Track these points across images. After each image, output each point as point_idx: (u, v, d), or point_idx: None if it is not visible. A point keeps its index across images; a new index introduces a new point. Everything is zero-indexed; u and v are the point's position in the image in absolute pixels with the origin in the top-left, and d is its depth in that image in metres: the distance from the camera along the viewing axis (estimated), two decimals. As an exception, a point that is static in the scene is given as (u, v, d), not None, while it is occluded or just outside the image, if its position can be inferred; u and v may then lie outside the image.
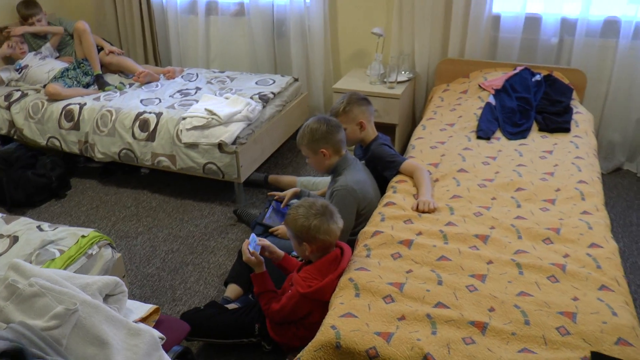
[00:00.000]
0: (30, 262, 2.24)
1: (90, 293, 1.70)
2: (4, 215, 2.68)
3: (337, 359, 1.82)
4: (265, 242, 2.43)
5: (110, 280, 1.77)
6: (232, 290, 2.66)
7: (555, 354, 1.73)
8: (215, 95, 3.90)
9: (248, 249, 2.33)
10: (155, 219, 3.54)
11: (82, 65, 4.20)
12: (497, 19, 3.89)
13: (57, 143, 3.93)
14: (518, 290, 1.99)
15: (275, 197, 3.13)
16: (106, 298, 1.77)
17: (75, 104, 3.87)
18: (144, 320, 1.81)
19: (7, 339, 1.34)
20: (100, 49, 4.44)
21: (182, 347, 1.82)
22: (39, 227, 2.53)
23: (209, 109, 3.50)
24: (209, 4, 4.63)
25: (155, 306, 1.87)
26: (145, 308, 1.86)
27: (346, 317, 1.91)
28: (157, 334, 1.69)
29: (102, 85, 4.14)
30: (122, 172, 4.09)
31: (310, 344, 1.87)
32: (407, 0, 3.96)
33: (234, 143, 3.45)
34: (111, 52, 4.41)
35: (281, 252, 2.46)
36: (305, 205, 2.21)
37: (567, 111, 3.28)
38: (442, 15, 3.97)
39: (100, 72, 4.21)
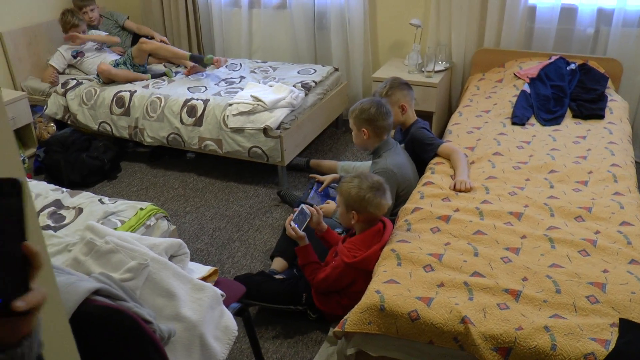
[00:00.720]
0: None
1: (157, 252, 1.88)
2: (68, 190, 2.90)
3: (381, 321, 1.97)
4: (314, 209, 2.58)
5: (175, 242, 1.95)
6: (278, 263, 2.83)
7: (585, 320, 1.85)
8: (260, 83, 4.08)
9: (290, 224, 2.49)
10: (202, 199, 3.74)
11: (132, 59, 4.41)
12: (532, 9, 3.97)
13: (108, 128, 4.16)
14: (550, 262, 2.11)
15: (317, 179, 3.30)
16: (170, 258, 1.95)
17: (125, 91, 4.09)
18: (204, 279, 1.99)
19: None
20: (151, 37, 4.65)
21: (239, 305, 1.99)
22: (100, 201, 2.74)
23: (255, 95, 3.68)
24: (252, -3, 4.81)
25: (214, 268, 2.05)
26: (205, 269, 2.04)
27: (389, 283, 2.06)
28: (218, 290, 1.86)
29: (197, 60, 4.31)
30: (169, 157, 4.30)
31: (356, 306, 2.02)
32: (444, -9, 4.08)
33: (278, 128, 3.62)
34: (162, 41, 4.61)
35: (325, 225, 2.62)
36: (362, 177, 2.38)
37: (602, 98, 3.37)
38: (478, 6, 4.07)
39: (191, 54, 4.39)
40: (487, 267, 2.11)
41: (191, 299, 1.79)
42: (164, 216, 2.70)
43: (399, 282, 2.07)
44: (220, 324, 1.83)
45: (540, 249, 2.18)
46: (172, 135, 3.93)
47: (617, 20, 3.74)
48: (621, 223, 2.31)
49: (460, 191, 2.62)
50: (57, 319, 1.12)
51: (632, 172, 2.71)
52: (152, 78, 4.32)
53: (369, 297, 2.02)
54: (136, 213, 2.60)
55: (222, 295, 1.87)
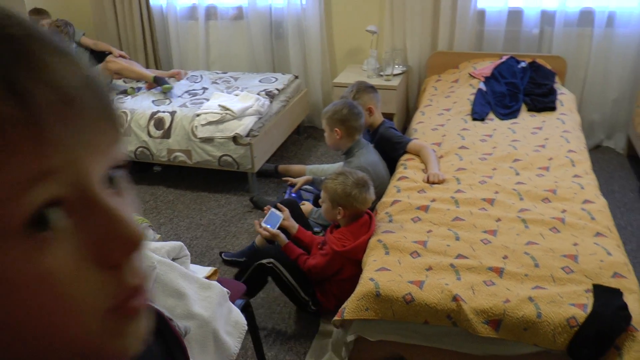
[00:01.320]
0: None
1: (160, 255, 1.93)
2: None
3: (378, 306, 2.08)
4: (285, 210, 2.70)
5: (176, 245, 2.01)
6: None
7: (563, 289, 2.03)
8: (224, 93, 4.15)
9: (260, 226, 2.58)
10: (174, 210, 3.77)
11: None
12: (482, 13, 4.22)
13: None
14: (526, 240, 2.28)
15: (290, 182, 3.40)
16: (172, 261, 2.01)
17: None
18: (206, 279, 2.05)
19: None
20: (108, 52, 4.65)
21: (244, 301, 2.06)
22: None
23: (223, 104, 3.75)
24: (209, 9, 4.87)
25: (214, 268, 2.12)
26: (205, 270, 2.11)
27: (381, 271, 2.18)
28: (224, 288, 1.93)
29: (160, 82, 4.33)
30: (135, 171, 4.30)
31: (352, 295, 2.13)
32: (397, -1, 4.28)
33: (247, 135, 3.70)
34: (120, 55, 4.61)
35: (296, 224, 2.72)
36: (346, 173, 2.49)
37: (552, 92, 3.62)
38: (430, 11, 4.28)
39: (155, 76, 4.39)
40: (469, 249, 2.26)
41: (200, 297, 1.85)
42: (149, 225, 2.73)
43: (390, 269, 2.19)
44: (230, 319, 1.90)
45: (515, 229, 2.35)
46: (139, 149, 3.95)
47: (559, 20, 4.02)
48: (584, 201, 2.52)
49: (433, 183, 2.78)
50: None
51: (586, 156, 2.95)
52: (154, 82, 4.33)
53: (364, 285, 2.13)
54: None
55: (228, 293, 1.94)
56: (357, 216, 2.51)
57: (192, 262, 3.19)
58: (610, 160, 4.09)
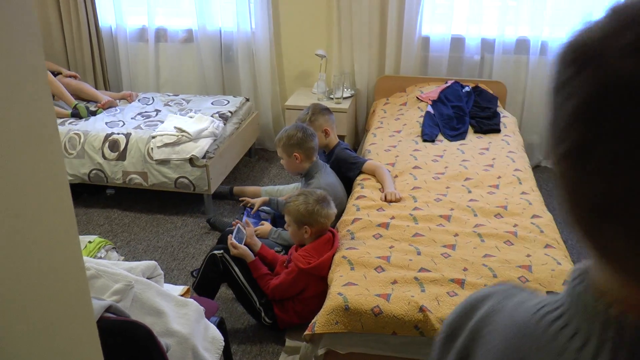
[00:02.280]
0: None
1: (135, 274, 1.95)
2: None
3: (347, 319, 2.17)
4: (250, 226, 2.77)
5: (151, 264, 2.04)
6: None
7: (520, 297, 2.17)
8: (178, 115, 4.17)
9: (232, 244, 2.64)
10: (131, 233, 3.74)
11: None
12: (426, 40, 4.44)
13: (21, 168, 4.02)
14: (483, 253, 2.43)
15: (246, 203, 3.44)
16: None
17: (40, 129, 4.00)
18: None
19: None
20: (57, 73, 4.58)
21: (218, 318, 2.10)
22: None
23: (178, 126, 3.77)
24: (158, 32, 4.88)
25: (187, 287, 2.15)
26: (179, 289, 2.13)
27: (348, 285, 2.27)
28: (199, 305, 1.97)
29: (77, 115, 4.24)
30: (87, 194, 4.23)
31: (322, 309, 2.21)
32: (345, 24, 4.43)
33: (204, 157, 3.73)
34: (70, 76, 4.55)
35: (259, 241, 2.79)
36: (305, 193, 2.58)
37: (496, 115, 3.85)
38: (377, 37, 4.47)
39: (77, 103, 4.31)
40: (430, 263, 2.39)
41: (178, 314, 1.89)
42: (113, 247, 2.73)
43: (356, 283, 2.28)
44: (207, 336, 1.93)
45: (472, 243, 2.50)
46: (94, 171, 3.90)
47: (498, 48, 4.29)
48: (532, 216, 2.70)
49: (391, 201, 2.90)
50: (88, 330, 1.18)
51: (531, 175, 3.16)
52: (71, 116, 4.23)
53: (333, 299, 2.21)
54: (85, 246, 2.61)
55: (203, 310, 1.98)
56: (322, 233, 2.60)
57: (151, 284, 3.19)
58: (549, 179, 4.35)
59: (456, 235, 2.57)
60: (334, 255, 2.52)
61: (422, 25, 4.36)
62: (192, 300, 1.95)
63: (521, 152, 3.45)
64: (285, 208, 2.69)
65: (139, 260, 3.35)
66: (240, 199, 3.54)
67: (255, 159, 4.82)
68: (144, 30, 4.90)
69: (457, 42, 4.40)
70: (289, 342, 2.65)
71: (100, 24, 4.86)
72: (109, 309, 1.53)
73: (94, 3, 4.77)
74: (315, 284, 2.53)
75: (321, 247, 2.56)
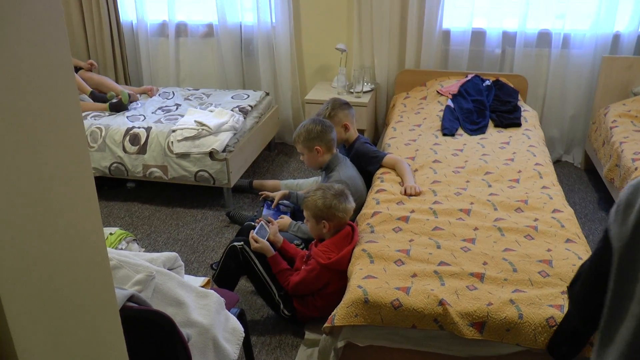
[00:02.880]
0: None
1: (156, 266, 1.97)
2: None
3: (367, 312, 2.17)
4: (274, 224, 2.78)
5: (172, 255, 2.05)
6: None
7: (541, 291, 2.16)
8: (198, 109, 4.20)
9: (253, 237, 2.65)
10: (151, 226, 3.78)
11: None
12: (447, 33, 4.41)
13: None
14: (503, 247, 2.42)
15: (266, 197, 3.45)
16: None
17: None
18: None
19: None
20: (78, 68, 4.64)
21: (239, 309, 2.11)
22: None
23: (199, 120, 3.79)
24: (179, 26, 4.92)
25: (207, 278, 2.16)
26: (199, 280, 2.15)
27: (368, 278, 2.27)
28: (219, 296, 1.98)
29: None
30: (108, 187, 4.29)
31: (342, 302, 2.21)
32: (366, 18, 4.42)
33: (224, 151, 3.75)
34: (91, 64, 4.60)
35: (281, 237, 2.80)
36: (323, 188, 2.58)
37: (516, 109, 3.81)
38: (397, 31, 4.45)
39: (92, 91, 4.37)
40: (450, 256, 2.38)
41: (198, 305, 1.90)
42: (134, 239, 2.76)
43: (376, 276, 2.28)
44: (228, 327, 1.95)
45: (492, 237, 2.49)
46: (114, 165, 3.95)
47: (520, 41, 4.24)
48: (553, 211, 2.68)
49: (411, 195, 2.89)
50: (112, 318, 1.20)
51: (551, 169, 3.13)
52: (110, 109, 4.29)
53: (353, 292, 2.21)
54: (107, 238, 2.64)
55: (224, 301, 1.99)
56: (341, 228, 2.60)
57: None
58: (570, 174, 4.31)
59: (476, 229, 2.56)
60: (353, 249, 2.52)
61: (443, 19, 4.33)
62: (212, 291, 1.96)
63: (542, 147, 3.41)
64: (303, 203, 2.69)
65: (164, 249, 3.41)
66: (259, 192, 3.55)
67: (275, 153, 4.84)
68: (164, 25, 4.94)
69: (478, 36, 4.36)
70: (308, 335, 2.66)
71: (121, 19, 4.91)
72: (131, 298, 1.55)
73: (115, -2, 4.82)
74: (337, 280, 2.54)
75: (340, 241, 2.56)
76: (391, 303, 2.15)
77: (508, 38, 4.33)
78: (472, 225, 2.58)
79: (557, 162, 4.48)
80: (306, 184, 3.81)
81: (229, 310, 2.06)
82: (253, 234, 2.67)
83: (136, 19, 4.93)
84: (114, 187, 4.28)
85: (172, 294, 1.87)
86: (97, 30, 4.96)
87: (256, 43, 4.77)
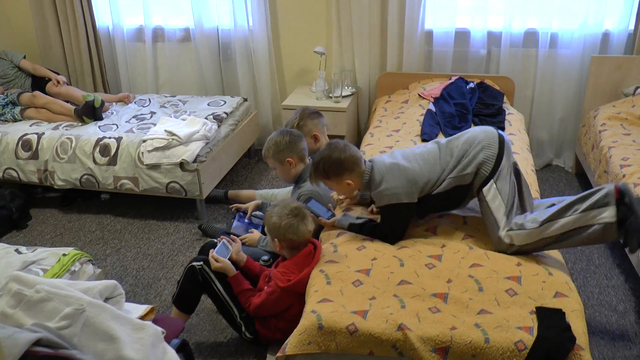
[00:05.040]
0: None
1: (91, 296, 1.84)
2: (-22, 242, 2.76)
3: (321, 339, 2.02)
4: (237, 242, 2.63)
5: (110, 284, 1.92)
6: (176, 316, 2.63)
7: (508, 312, 2.01)
8: (172, 117, 4.06)
9: (213, 257, 2.50)
10: (122, 240, 3.65)
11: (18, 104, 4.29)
12: (429, 34, 4.25)
13: (15, 174, 3.97)
14: (470, 262, 2.27)
15: (237, 208, 3.30)
16: (105, 301, 1.91)
17: (32, 133, 3.94)
18: (142, 318, 1.96)
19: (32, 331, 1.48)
20: (48, 80, 4.51)
21: (180, 340, 1.98)
22: (16, 251, 2.62)
23: (169, 130, 3.66)
24: (156, 31, 4.79)
25: (150, 306, 2.03)
26: (141, 308, 2.01)
27: (323, 302, 2.12)
28: (158, 328, 1.84)
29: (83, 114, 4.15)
30: (81, 199, 4.16)
31: (295, 329, 2.07)
32: (345, 19, 4.27)
33: (194, 161, 3.62)
34: (59, 81, 4.47)
35: (244, 255, 2.65)
36: (281, 205, 2.43)
37: (500, 113, 3.65)
38: (378, 32, 4.29)
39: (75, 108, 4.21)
40: (413, 275, 2.23)
41: (133, 339, 1.76)
42: (89, 260, 2.63)
43: (332, 299, 2.13)
44: (164, 360, 1.81)
45: (460, 253, 2.34)
46: (85, 177, 3.82)
47: (505, 41, 4.08)
48: (529, 223, 2.51)
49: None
50: None
51: (532, 180, 2.96)
52: (75, 114, 4.16)
53: (306, 318, 2.07)
54: (59, 260, 2.51)
55: (163, 332, 1.85)
56: (299, 247, 2.44)
57: (138, 293, 3.10)
58: (560, 178, 4.14)
59: (443, 246, 2.40)
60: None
61: (425, 19, 4.17)
62: (149, 323, 1.82)
63: (525, 153, 3.24)
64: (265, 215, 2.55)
65: (126, 270, 3.28)
66: (230, 206, 3.40)
67: (255, 160, 4.70)
68: (141, 30, 4.81)
69: (462, 36, 4.20)
70: (269, 358, 2.52)
71: (97, 25, 4.78)
72: (38, 342, 1.41)
73: (90, 3, 4.69)
74: (300, 302, 2.38)
75: (302, 261, 2.41)
76: (347, 328, 2.00)
77: (493, 38, 4.16)
78: (440, 242, 2.43)
79: (547, 167, 4.32)
80: (282, 194, 3.66)
81: (170, 341, 1.92)
82: (213, 253, 2.53)
83: (112, 25, 4.81)
84: (88, 199, 4.16)
85: (103, 327, 1.73)
86: (74, 36, 4.83)
87: (234, 47, 4.64)
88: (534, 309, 2.00)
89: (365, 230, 2.55)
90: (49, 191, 4.19)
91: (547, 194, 3.87)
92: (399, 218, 2.49)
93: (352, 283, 2.21)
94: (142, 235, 3.69)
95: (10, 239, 3.73)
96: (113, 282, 1.93)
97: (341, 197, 2.84)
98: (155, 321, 1.97)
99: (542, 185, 3.95)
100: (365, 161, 2.56)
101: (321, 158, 2.53)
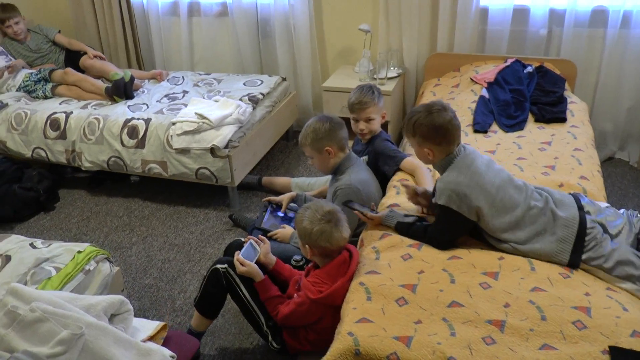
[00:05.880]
0: (26, 283, 2.17)
1: (95, 314, 1.63)
2: (-5, 232, 2.60)
3: (357, 367, 1.78)
4: (266, 243, 2.39)
5: (116, 300, 1.71)
6: (198, 320, 2.44)
7: (576, 349, 1.71)
8: (204, 98, 3.83)
9: (238, 260, 2.27)
10: (149, 227, 3.47)
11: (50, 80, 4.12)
12: (485, 11, 3.87)
13: (43, 154, 3.83)
14: (531, 285, 1.97)
15: (269, 201, 3.05)
16: (111, 318, 1.71)
17: (60, 112, 3.77)
18: (152, 338, 1.75)
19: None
20: (83, 53, 4.35)
21: (195, 362, 1.77)
22: (31, 245, 2.44)
23: (199, 112, 3.43)
24: (191, 5, 4.54)
25: (162, 323, 1.81)
26: (152, 325, 1.80)
27: (362, 322, 1.87)
28: (167, 352, 1.63)
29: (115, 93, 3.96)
30: (111, 181, 4.00)
31: (328, 353, 1.82)
32: (393, -5, 3.93)
33: (226, 147, 3.39)
34: (95, 56, 4.30)
35: (273, 258, 2.40)
36: (313, 208, 2.16)
37: (562, 101, 3.28)
38: (429, 9, 3.94)
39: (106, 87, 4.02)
40: (465, 294, 1.95)
41: (138, 366, 1.55)
42: (106, 258, 2.43)
43: (372, 320, 1.88)
44: (175, 390, 1.59)
45: (519, 272, 2.04)
46: (112, 159, 3.63)
47: (569, 20, 3.67)
48: (599, 237, 2.19)
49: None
50: None
51: (599, 184, 2.61)
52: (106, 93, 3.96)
53: (342, 341, 1.82)
54: (73, 257, 2.32)
55: (173, 357, 1.63)
56: (333, 254, 2.18)
57: (162, 288, 2.91)
58: (624, 174, 3.75)
59: (501, 258, 2.11)
60: (350, 279, 2.12)
61: (481, -6, 3.80)
62: (157, 348, 1.61)
63: (590, 150, 2.88)
64: (296, 215, 2.29)
65: (151, 260, 3.09)
66: (263, 200, 3.14)
67: (293, 143, 4.44)
68: (176, 4, 4.58)
69: (521, 14, 3.80)
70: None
71: (131, -2, 4.57)
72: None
73: (124, -25, 4.47)
74: (331, 314, 2.14)
75: (335, 270, 2.15)
76: (387, 357, 1.75)
77: (556, 16, 3.75)
78: (498, 254, 2.13)
79: (608, 160, 3.92)
80: (318, 184, 3.42)
81: (185, 363, 1.70)
82: (239, 256, 2.30)
83: (146, -2, 4.58)
84: (117, 181, 3.99)
85: (104, 353, 1.52)
86: (107, 10, 4.64)
87: (273, 24, 4.35)
88: (607, 348, 1.70)
89: (414, 232, 2.27)
90: (78, 171, 4.04)
91: (609, 192, 3.50)
92: (454, 226, 2.19)
93: (396, 301, 1.95)
94: (170, 223, 3.49)
95: (37, 221, 3.60)
96: (120, 297, 1.72)
97: (406, 183, 2.56)
98: (167, 339, 1.76)
99: (604, 181, 3.58)
100: (460, 143, 2.23)
101: (418, 112, 2.19)
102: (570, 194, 2.25)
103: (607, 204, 2.31)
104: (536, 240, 2.11)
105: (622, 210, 2.25)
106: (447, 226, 2.19)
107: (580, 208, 2.14)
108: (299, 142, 2.77)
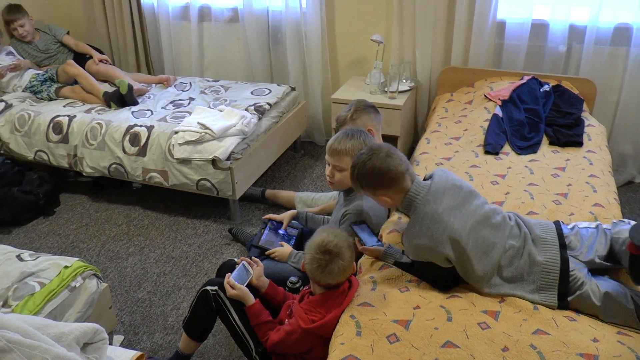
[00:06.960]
0: (7, 299, 2.09)
1: (66, 344, 1.54)
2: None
3: (340, 409, 1.66)
4: (259, 265, 2.28)
5: (89, 328, 1.61)
6: (186, 343, 2.36)
7: (579, 405, 1.58)
8: (209, 106, 3.75)
9: (229, 283, 2.17)
10: (147, 237, 3.39)
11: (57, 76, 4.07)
12: (502, 25, 3.73)
13: (45, 157, 3.77)
14: (534, 328, 1.84)
15: (269, 218, 2.92)
16: (85, 347, 1.61)
17: (64, 115, 3.71)
18: (128, 368, 1.66)
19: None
20: (89, 57, 4.29)
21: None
22: (18, 257, 2.37)
23: (202, 122, 3.34)
24: (202, 10, 4.47)
25: (139, 353, 1.71)
26: (128, 355, 1.70)
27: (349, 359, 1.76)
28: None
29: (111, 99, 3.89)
30: (113, 187, 3.93)
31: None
32: (407, 6, 3.81)
33: (228, 159, 3.29)
34: (101, 60, 4.25)
35: (266, 280, 2.29)
36: (313, 247, 2.01)
37: (579, 124, 3.13)
38: (444, 21, 3.82)
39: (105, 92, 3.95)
40: (461, 335, 1.82)
41: (105, 404, 1.46)
42: (94, 273, 2.35)
43: (359, 358, 1.76)
44: None
45: (521, 313, 1.91)
46: (114, 166, 3.56)
47: (590, 37, 3.52)
48: (609, 276, 2.05)
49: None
50: None
51: (616, 212, 2.46)
52: (104, 98, 3.90)
53: (327, 379, 1.71)
54: (59, 273, 2.24)
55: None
56: (332, 287, 2.06)
57: (155, 303, 2.82)
58: (643, 199, 3.60)
59: (502, 301, 1.98)
60: (343, 312, 2.00)
61: (498, 8, 3.66)
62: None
63: (607, 177, 2.73)
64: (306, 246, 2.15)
65: (147, 273, 3.00)
66: (263, 217, 3.00)
67: (301, 154, 4.34)
68: (187, 8, 4.50)
69: (539, 29, 3.66)
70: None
71: (142, 1, 4.50)
72: None
73: (135, -22, 4.41)
74: (323, 344, 2.02)
75: (331, 300, 2.03)
76: (373, 402, 1.63)
77: (576, 32, 3.60)
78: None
79: (628, 185, 3.76)
80: (323, 200, 3.30)
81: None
82: (229, 278, 2.20)
83: (157, 1, 4.50)
84: (119, 187, 3.92)
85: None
86: (117, 13, 4.58)
87: (284, 31, 4.25)
88: (615, 403, 1.57)
89: (414, 274, 2.15)
90: (80, 175, 3.97)
91: (628, 218, 3.32)
92: (440, 270, 2.06)
93: (387, 337, 1.83)
94: (169, 234, 3.41)
95: (35, 226, 3.54)
96: (94, 326, 1.62)
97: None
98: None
99: (621, 208, 3.42)
100: (414, 177, 2.09)
101: (357, 162, 2.08)
102: (554, 222, 2.13)
103: (586, 223, 2.18)
104: (515, 286, 1.99)
105: (595, 224, 2.14)
106: (432, 274, 2.08)
107: (562, 245, 2.01)
108: (336, 149, 2.43)
